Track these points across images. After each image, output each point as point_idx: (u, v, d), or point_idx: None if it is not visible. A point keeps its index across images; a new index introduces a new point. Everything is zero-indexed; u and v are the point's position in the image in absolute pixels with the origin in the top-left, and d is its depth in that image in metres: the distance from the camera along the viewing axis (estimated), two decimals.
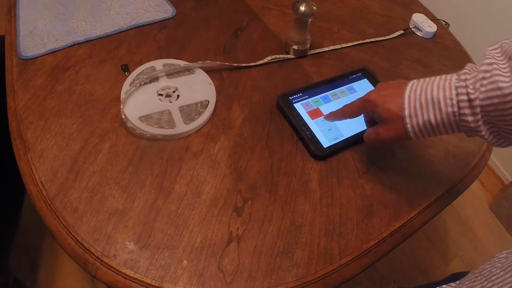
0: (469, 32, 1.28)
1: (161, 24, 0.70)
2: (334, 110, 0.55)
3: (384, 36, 0.76)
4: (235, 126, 0.57)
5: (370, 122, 0.51)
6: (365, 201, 0.52)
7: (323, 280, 0.45)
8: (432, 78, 0.44)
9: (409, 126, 0.44)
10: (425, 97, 0.42)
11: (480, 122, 0.40)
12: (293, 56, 0.68)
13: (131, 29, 0.68)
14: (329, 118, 0.56)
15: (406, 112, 0.43)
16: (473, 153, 0.60)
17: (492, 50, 0.41)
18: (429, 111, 0.42)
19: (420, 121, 0.43)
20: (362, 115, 0.51)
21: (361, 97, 0.49)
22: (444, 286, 0.40)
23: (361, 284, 1.12)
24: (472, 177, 0.58)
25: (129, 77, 0.59)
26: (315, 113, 0.59)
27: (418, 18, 0.79)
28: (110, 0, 0.72)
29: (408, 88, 0.44)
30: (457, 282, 0.39)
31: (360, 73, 0.66)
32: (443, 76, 0.43)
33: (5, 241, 0.74)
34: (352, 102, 0.51)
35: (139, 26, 0.68)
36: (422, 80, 0.44)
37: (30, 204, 0.47)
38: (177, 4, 0.74)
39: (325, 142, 0.56)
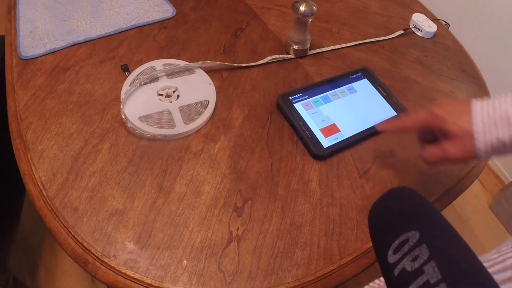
0: (469, 32, 1.28)
1: (161, 24, 0.70)
2: (389, 119, 0.48)
3: (384, 36, 0.76)
4: (235, 126, 0.57)
5: (425, 140, 0.48)
6: (365, 201, 0.52)
7: (323, 280, 0.45)
8: (503, 96, 0.41)
9: (479, 144, 0.40)
10: (499, 114, 0.39)
11: None
12: (293, 56, 0.68)
13: (131, 29, 0.68)
14: (384, 128, 0.51)
15: (478, 129, 0.40)
16: None
17: None
18: (504, 129, 0.39)
19: (494, 139, 0.40)
20: (416, 132, 0.48)
21: (424, 111, 0.45)
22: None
23: (361, 284, 1.11)
24: (472, 177, 0.58)
25: (129, 77, 0.59)
26: (315, 113, 0.59)
27: (418, 18, 0.79)
28: (110, 0, 0.72)
29: (477, 105, 0.41)
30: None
31: (360, 73, 0.66)
32: None
33: (5, 240, 0.74)
34: (414, 114, 0.46)
35: (139, 26, 0.68)
36: (487, 98, 0.42)
37: (30, 204, 0.47)
38: (177, 4, 0.74)
39: (325, 142, 0.56)
